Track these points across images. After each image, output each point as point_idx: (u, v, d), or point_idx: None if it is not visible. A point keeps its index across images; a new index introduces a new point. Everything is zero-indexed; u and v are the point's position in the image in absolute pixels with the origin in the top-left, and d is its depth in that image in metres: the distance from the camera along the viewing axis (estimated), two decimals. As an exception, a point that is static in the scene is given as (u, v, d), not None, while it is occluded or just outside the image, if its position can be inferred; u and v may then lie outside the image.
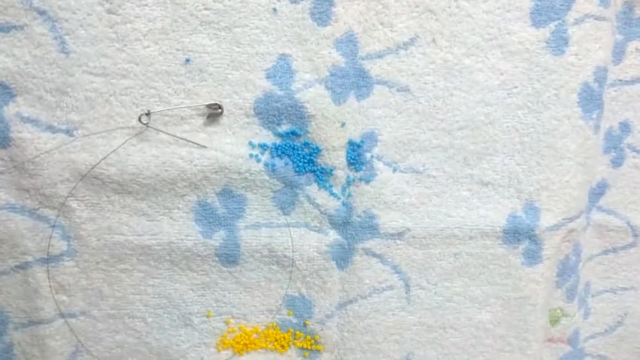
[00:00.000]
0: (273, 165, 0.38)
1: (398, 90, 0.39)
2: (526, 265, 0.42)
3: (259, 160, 0.38)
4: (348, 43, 0.38)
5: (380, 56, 0.38)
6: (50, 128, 0.35)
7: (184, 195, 0.38)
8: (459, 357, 0.43)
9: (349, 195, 0.40)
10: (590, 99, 0.41)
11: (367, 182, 0.40)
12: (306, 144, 0.38)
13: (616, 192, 0.45)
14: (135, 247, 0.38)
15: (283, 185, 0.39)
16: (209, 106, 0.30)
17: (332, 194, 0.39)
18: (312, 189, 0.39)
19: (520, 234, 0.42)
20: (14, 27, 0.33)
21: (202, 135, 0.37)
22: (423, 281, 0.42)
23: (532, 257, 0.42)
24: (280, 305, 0.41)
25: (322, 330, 0.41)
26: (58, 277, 0.38)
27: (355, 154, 0.39)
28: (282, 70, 0.37)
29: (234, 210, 0.39)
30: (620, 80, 0.43)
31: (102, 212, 0.37)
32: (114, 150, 0.34)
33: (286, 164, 0.38)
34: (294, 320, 0.41)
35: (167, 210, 0.38)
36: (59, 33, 0.34)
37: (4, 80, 0.34)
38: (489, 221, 0.41)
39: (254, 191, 0.38)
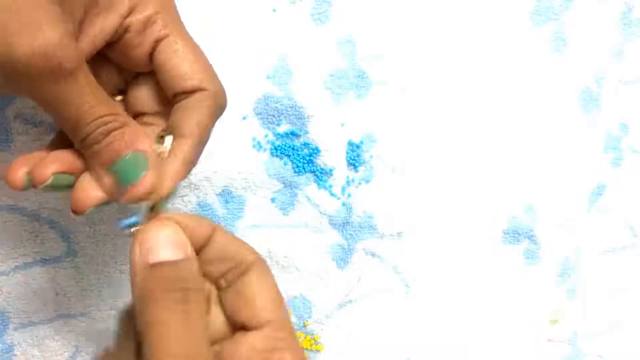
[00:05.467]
0: (272, 165, 0.38)
1: (397, 91, 0.39)
2: (526, 265, 0.42)
3: (258, 161, 0.38)
4: (347, 43, 0.38)
5: (379, 56, 0.38)
6: (52, 129, 0.35)
7: (184, 195, 0.38)
8: (459, 357, 0.43)
9: (349, 195, 0.40)
10: (590, 100, 0.41)
11: (367, 182, 0.40)
12: (305, 145, 0.38)
13: (615, 193, 0.45)
14: (136, 248, 0.38)
15: (282, 185, 0.39)
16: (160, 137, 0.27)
17: (331, 194, 0.39)
18: (312, 189, 0.39)
19: (519, 234, 0.42)
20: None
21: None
22: (423, 281, 0.42)
23: (532, 257, 0.42)
24: (280, 305, 0.41)
25: (322, 330, 0.41)
26: (58, 277, 0.38)
27: (355, 154, 0.39)
28: (281, 71, 0.37)
29: (234, 211, 0.39)
30: (619, 81, 0.43)
31: (101, 213, 0.37)
32: None
33: (285, 164, 0.38)
34: (294, 320, 0.41)
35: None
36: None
37: (4, 81, 0.34)
38: (489, 221, 0.41)
39: (254, 192, 0.39)
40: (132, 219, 0.25)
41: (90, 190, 0.25)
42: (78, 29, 0.24)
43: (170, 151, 0.27)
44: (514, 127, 0.41)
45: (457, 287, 0.42)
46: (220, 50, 0.36)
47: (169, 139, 0.27)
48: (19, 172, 0.25)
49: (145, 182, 0.25)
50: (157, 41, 0.27)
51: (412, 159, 0.40)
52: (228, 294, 0.25)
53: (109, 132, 0.24)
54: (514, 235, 0.42)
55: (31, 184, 0.25)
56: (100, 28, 0.25)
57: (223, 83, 0.36)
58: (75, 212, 0.26)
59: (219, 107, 0.28)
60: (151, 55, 0.27)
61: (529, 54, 0.40)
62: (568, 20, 0.40)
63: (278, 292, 0.25)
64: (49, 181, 0.25)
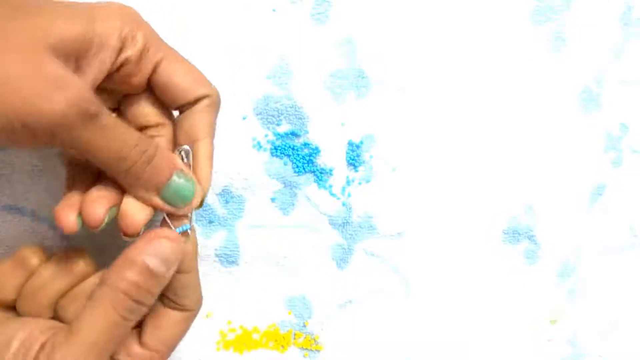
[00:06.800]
0: (272, 165, 0.38)
1: (397, 91, 0.39)
2: (526, 265, 0.42)
3: (258, 161, 0.38)
4: (347, 43, 0.38)
5: (379, 56, 0.38)
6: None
7: (184, 195, 0.38)
8: (459, 357, 0.43)
9: (349, 195, 0.40)
10: (590, 100, 0.41)
11: (367, 182, 0.40)
12: (305, 145, 0.38)
13: (615, 193, 0.45)
14: (135, 248, 0.38)
15: (282, 185, 0.39)
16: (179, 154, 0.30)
17: (331, 194, 0.39)
18: (312, 190, 0.39)
19: (519, 234, 0.42)
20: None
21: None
22: (423, 281, 0.42)
23: (532, 257, 0.42)
24: (280, 305, 0.41)
25: (322, 330, 0.41)
26: (58, 277, 0.38)
27: (355, 154, 0.39)
28: (281, 71, 0.37)
29: (234, 211, 0.39)
30: (619, 81, 0.43)
31: (102, 213, 0.37)
32: None
33: (285, 164, 0.38)
34: (294, 320, 0.41)
35: (167, 211, 0.38)
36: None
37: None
38: (489, 221, 0.41)
39: (254, 192, 0.39)
40: (186, 226, 0.29)
41: (138, 213, 0.28)
42: (77, 71, 0.26)
43: (194, 157, 0.30)
44: (513, 127, 0.41)
45: (457, 287, 0.42)
46: (220, 50, 0.36)
47: (189, 154, 0.30)
48: (71, 218, 0.27)
49: (197, 198, 0.29)
50: (156, 65, 0.29)
51: (412, 159, 0.40)
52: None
53: (151, 159, 0.27)
54: (514, 235, 0.42)
55: (84, 224, 0.27)
56: (99, 66, 0.27)
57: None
58: (128, 235, 0.28)
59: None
60: (149, 78, 0.29)
61: (529, 54, 0.40)
62: (568, 20, 0.40)
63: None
64: (107, 218, 0.27)
